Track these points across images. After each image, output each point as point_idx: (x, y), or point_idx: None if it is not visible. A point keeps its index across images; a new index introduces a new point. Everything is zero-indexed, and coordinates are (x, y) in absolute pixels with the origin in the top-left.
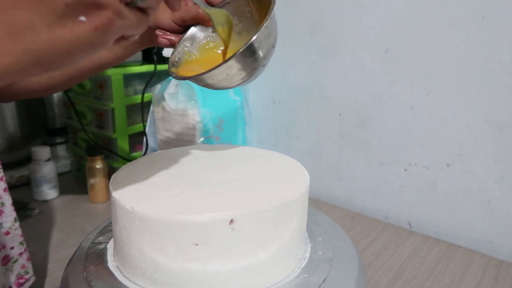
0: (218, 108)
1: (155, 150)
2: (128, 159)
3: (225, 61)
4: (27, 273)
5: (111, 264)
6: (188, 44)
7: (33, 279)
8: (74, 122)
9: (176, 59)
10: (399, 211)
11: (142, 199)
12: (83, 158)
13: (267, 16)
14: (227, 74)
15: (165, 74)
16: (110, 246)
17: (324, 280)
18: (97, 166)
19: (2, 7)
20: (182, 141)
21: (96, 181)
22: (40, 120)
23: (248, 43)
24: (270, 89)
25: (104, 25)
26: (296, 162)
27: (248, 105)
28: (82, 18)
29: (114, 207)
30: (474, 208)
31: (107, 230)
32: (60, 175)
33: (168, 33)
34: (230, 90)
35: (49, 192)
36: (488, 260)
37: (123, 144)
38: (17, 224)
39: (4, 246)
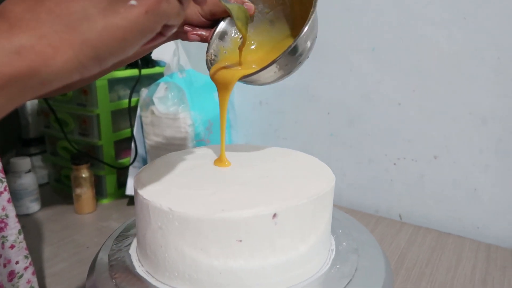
0: (207, 110)
1: (143, 156)
2: (114, 167)
3: (275, 60)
4: None
5: (140, 269)
6: (220, 39)
7: None
8: (54, 131)
9: (213, 57)
10: (389, 204)
11: (178, 199)
12: (63, 168)
13: (313, 7)
14: (274, 72)
15: (149, 78)
16: (132, 252)
17: (356, 270)
18: (83, 175)
19: (56, 2)
20: (174, 145)
21: (83, 191)
22: (13, 130)
23: (297, 40)
24: (256, 91)
25: (154, 6)
26: (313, 157)
27: (233, 108)
28: (133, 2)
29: (145, 210)
30: (461, 197)
31: (124, 236)
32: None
33: (198, 28)
34: (215, 93)
35: (31, 205)
36: (477, 245)
37: (109, 151)
38: (21, 236)
39: (9, 261)
